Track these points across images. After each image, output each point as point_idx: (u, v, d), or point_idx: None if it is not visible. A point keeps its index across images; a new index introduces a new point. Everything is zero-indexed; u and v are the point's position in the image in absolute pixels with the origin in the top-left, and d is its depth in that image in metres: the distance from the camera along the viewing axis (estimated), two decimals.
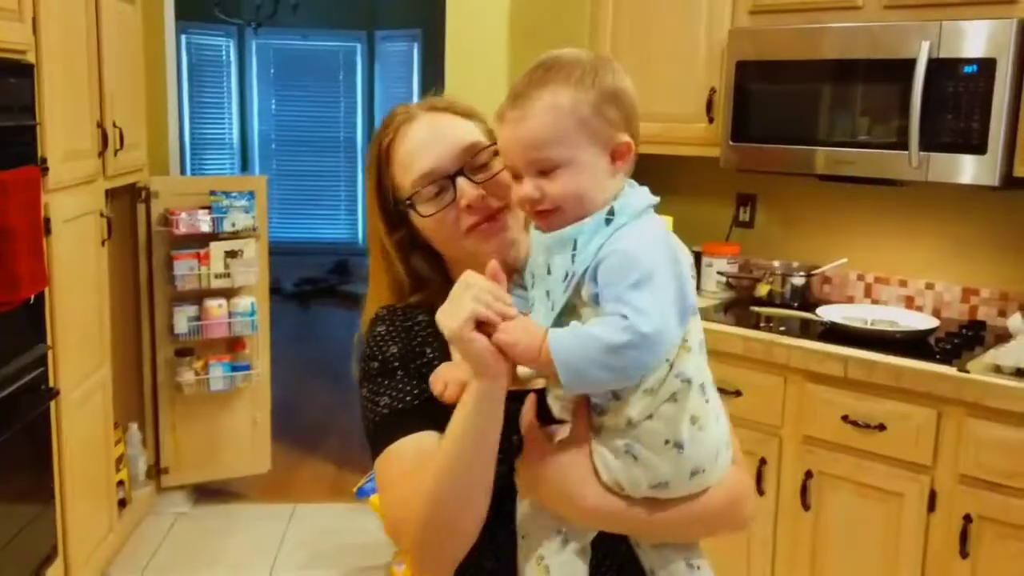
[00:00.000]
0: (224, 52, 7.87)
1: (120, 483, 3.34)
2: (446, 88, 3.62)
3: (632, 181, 1.07)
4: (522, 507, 1.09)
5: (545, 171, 1.01)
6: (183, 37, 6.73)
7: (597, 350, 0.92)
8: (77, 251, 2.82)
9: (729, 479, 1.09)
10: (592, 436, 1.03)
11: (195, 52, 7.41)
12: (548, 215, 1.02)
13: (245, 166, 8.09)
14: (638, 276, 0.94)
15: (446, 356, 1.12)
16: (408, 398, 1.12)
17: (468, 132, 1.18)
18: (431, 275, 1.20)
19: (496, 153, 1.14)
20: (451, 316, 0.96)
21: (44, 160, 2.53)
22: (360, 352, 1.19)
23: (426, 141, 1.15)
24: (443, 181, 1.13)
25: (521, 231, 1.16)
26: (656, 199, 1.06)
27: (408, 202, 1.15)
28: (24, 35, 2.46)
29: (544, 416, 1.08)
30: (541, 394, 1.09)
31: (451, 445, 1.01)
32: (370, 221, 1.22)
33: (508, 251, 1.14)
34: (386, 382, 1.13)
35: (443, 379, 1.05)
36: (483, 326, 0.96)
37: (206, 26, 7.25)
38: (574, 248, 1.00)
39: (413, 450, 1.08)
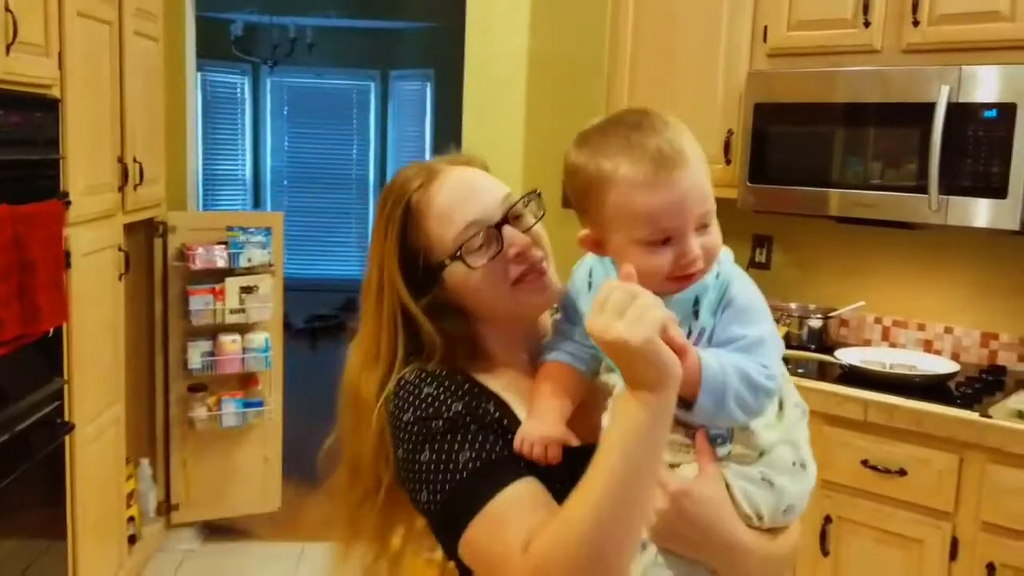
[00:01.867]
0: (239, 90, 7.95)
1: (131, 519, 3.32)
2: (464, 127, 3.65)
3: None
4: (645, 557, 1.00)
5: (705, 224, 0.99)
6: (199, 74, 6.82)
7: (742, 383, 0.94)
8: (95, 285, 2.83)
9: (796, 527, 1.12)
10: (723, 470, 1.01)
11: (210, 89, 7.49)
12: (695, 276, 0.99)
13: (257, 203, 8.13)
14: (759, 331, 0.99)
15: (507, 414, 1.06)
16: (497, 448, 1.02)
17: (499, 183, 1.16)
18: (460, 339, 1.12)
19: (527, 204, 1.13)
20: (637, 325, 0.87)
21: (66, 194, 2.55)
22: (401, 420, 1.06)
23: (466, 192, 1.11)
24: (490, 231, 1.09)
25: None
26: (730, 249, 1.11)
27: (457, 254, 1.09)
28: (50, 70, 2.49)
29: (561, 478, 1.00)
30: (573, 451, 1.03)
31: (612, 469, 0.90)
32: (386, 285, 1.12)
33: (553, 303, 1.13)
34: (460, 438, 1.02)
35: (531, 440, 1.00)
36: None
37: (222, 64, 7.34)
38: (696, 304, 1.00)
39: (527, 497, 0.98)
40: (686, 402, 0.94)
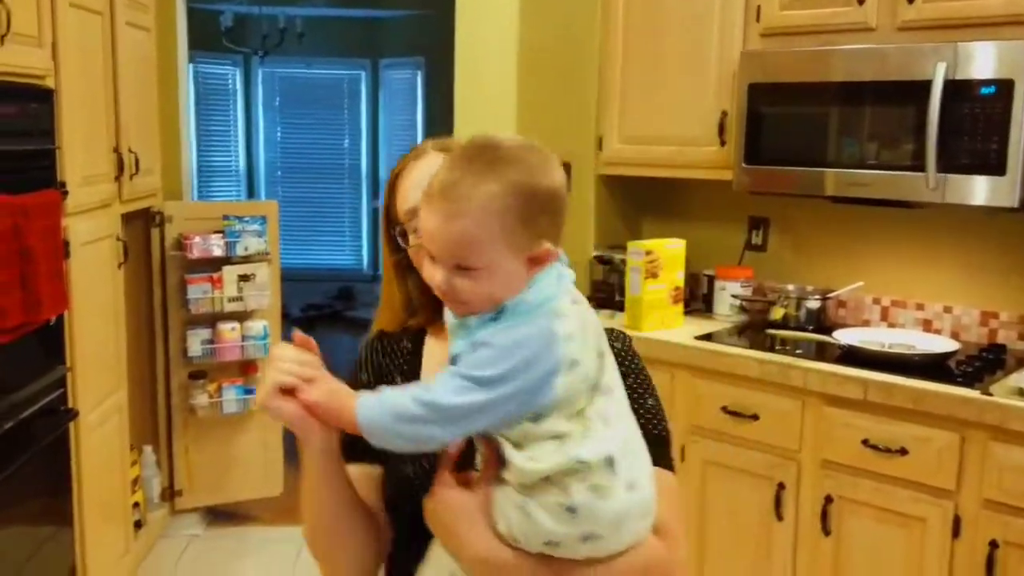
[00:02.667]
0: (230, 81, 7.92)
1: (135, 505, 3.34)
2: (455, 115, 3.64)
3: (553, 267, 1.04)
4: (434, 544, 1.10)
5: (461, 267, 1.00)
6: (190, 66, 6.78)
7: (392, 417, 0.98)
8: (94, 274, 2.82)
9: (644, 551, 1.04)
10: (496, 486, 1.03)
11: (201, 81, 7.46)
12: (456, 305, 1.03)
13: (251, 193, 8.11)
14: (485, 373, 0.96)
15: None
16: None
17: None
18: (420, 300, 1.25)
19: None
20: (259, 390, 1.06)
21: (63, 184, 2.54)
22: (359, 379, 1.26)
23: (421, 181, 1.12)
24: None
25: None
26: (561, 288, 1.02)
27: (400, 230, 1.22)
28: (44, 60, 2.47)
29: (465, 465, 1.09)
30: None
31: (305, 495, 1.14)
32: (382, 241, 1.30)
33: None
34: None
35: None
36: (294, 392, 1.03)
37: (212, 55, 7.30)
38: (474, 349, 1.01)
39: (360, 478, 1.18)
40: None
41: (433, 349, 1.26)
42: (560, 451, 0.98)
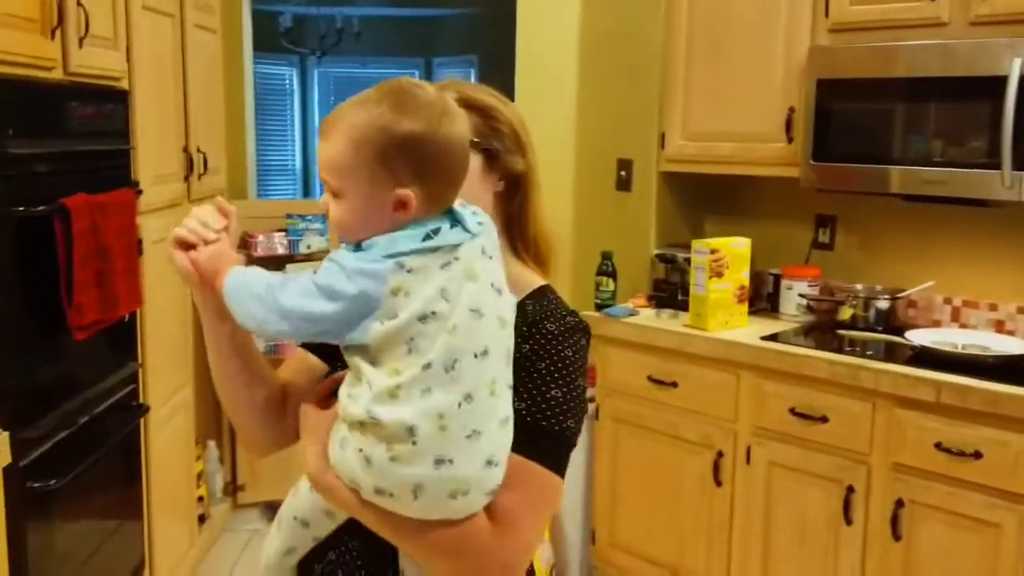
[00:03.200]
0: (288, 81, 8.03)
1: (199, 499, 3.40)
2: None
3: (436, 222, 1.03)
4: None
5: (330, 192, 1.05)
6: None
7: (246, 292, 1.04)
8: (165, 272, 2.88)
9: (461, 528, 1.03)
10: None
11: (260, 81, 7.57)
12: (334, 229, 1.09)
13: (307, 192, 8.22)
14: (318, 277, 1.02)
15: None
16: None
17: None
18: None
19: None
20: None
21: (137, 183, 2.60)
22: None
23: None
24: None
25: None
26: (417, 248, 1.01)
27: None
28: (120, 62, 2.54)
29: None
30: None
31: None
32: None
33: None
34: None
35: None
36: (189, 247, 1.10)
37: (270, 55, 7.41)
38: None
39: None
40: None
41: None
42: (366, 401, 1.00)
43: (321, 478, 1.09)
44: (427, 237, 1.01)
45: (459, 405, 0.99)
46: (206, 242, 1.10)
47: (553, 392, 1.10)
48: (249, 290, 1.04)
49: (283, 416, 1.20)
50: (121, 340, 2.59)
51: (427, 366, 0.99)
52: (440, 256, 1.01)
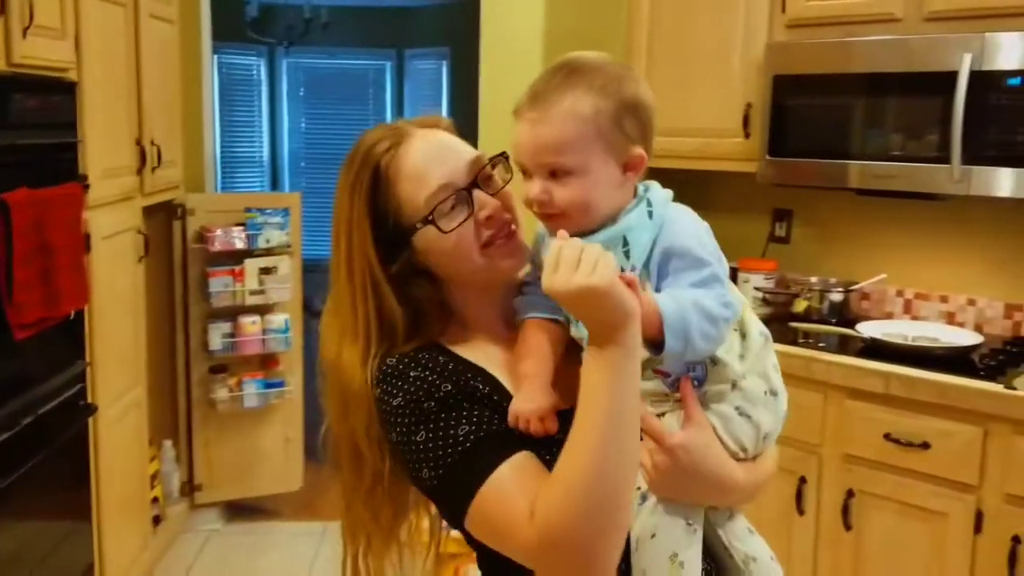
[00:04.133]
0: (255, 71, 7.94)
1: (154, 500, 3.36)
2: (480, 106, 3.63)
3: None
4: (645, 509, 1.04)
5: (557, 175, 1.02)
6: (215, 57, 6.82)
7: (701, 317, 0.98)
8: (115, 268, 2.84)
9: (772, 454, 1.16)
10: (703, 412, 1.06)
11: (226, 71, 7.48)
12: (555, 219, 1.03)
13: (275, 184, 8.14)
14: (710, 271, 1.01)
15: (495, 386, 1.07)
16: (494, 422, 1.02)
17: (467, 145, 1.15)
18: (432, 305, 1.12)
19: (495, 167, 1.13)
20: (600, 273, 0.90)
21: (85, 177, 2.56)
22: (391, 404, 1.05)
23: (438, 154, 1.10)
24: (460, 194, 1.08)
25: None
26: (670, 191, 1.11)
27: (429, 218, 1.07)
28: (67, 53, 2.49)
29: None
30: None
31: (596, 418, 0.92)
32: (356, 254, 1.09)
33: (524, 266, 1.13)
34: (455, 415, 1.02)
35: (525, 416, 1.01)
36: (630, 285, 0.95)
37: (237, 46, 7.33)
38: (624, 244, 1.03)
39: (527, 467, 0.98)
40: (654, 346, 0.98)
41: (480, 352, 1.11)
42: (743, 346, 1.08)
43: (751, 475, 1.10)
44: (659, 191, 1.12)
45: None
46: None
47: None
48: (702, 309, 0.99)
49: None
50: (68, 338, 2.54)
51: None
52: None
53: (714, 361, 1.04)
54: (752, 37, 2.83)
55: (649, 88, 1.07)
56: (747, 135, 2.86)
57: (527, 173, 1.05)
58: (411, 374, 1.05)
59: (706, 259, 1.02)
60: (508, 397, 1.05)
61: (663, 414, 1.06)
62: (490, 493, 0.97)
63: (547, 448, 1.00)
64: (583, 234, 1.02)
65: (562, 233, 0.96)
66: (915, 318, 2.88)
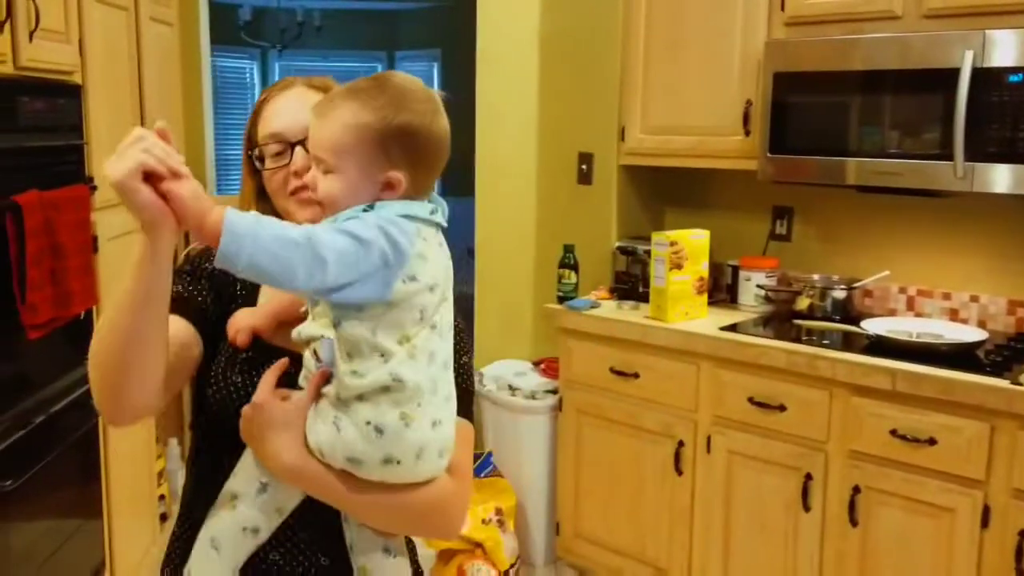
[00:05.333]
0: (248, 75, 7.95)
1: (161, 498, 3.36)
2: (476, 105, 3.64)
3: (434, 199, 1.15)
4: (246, 454, 1.17)
5: (322, 168, 1.11)
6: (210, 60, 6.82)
7: (269, 235, 0.98)
8: (122, 269, 2.83)
9: (438, 486, 1.13)
10: (314, 403, 1.11)
11: (219, 75, 7.48)
12: (312, 203, 1.14)
13: None
14: (348, 224, 1.04)
15: (252, 299, 1.26)
16: (189, 293, 1.24)
17: None
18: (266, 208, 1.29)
19: None
20: (117, 165, 0.94)
21: (91, 179, 2.56)
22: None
23: (286, 108, 1.27)
24: (285, 146, 1.25)
25: None
26: (426, 219, 1.10)
27: (258, 153, 1.27)
28: (71, 57, 2.49)
29: (290, 384, 1.16)
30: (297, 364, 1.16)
31: (118, 301, 1.05)
32: (243, 159, 1.32)
33: (317, 222, 1.18)
34: (186, 278, 1.26)
35: (235, 326, 1.19)
36: (152, 180, 0.96)
37: (230, 49, 7.33)
38: None
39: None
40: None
41: None
42: (383, 368, 1.05)
43: (305, 468, 1.10)
44: (432, 212, 1.11)
45: (444, 370, 1.11)
46: (175, 174, 0.96)
47: (463, 359, 1.27)
48: (279, 236, 0.98)
49: (166, 386, 1.14)
50: (77, 338, 2.54)
51: (432, 331, 1.09)
52: (437, 233, 1.12)
53: (335, 371, 1.09)
54: (751, 34, 2.85)
55: (442, 121, 1.13)
56: (747, 133, 2.88)
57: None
58: (179, 267, 1.27)
59: (357, 231, 1.03)
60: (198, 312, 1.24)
61: (300, 389, 1.14)
62: None
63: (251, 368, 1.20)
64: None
65: (159, 125, 1.01)
66: (918, 315, 2.90)
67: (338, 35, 7.64)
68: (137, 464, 3.04)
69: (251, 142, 1.30)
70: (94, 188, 2.54)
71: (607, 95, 3.25)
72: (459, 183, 3.81)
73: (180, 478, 3.64)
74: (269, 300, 1.25)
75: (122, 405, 1.12)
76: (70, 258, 2.25)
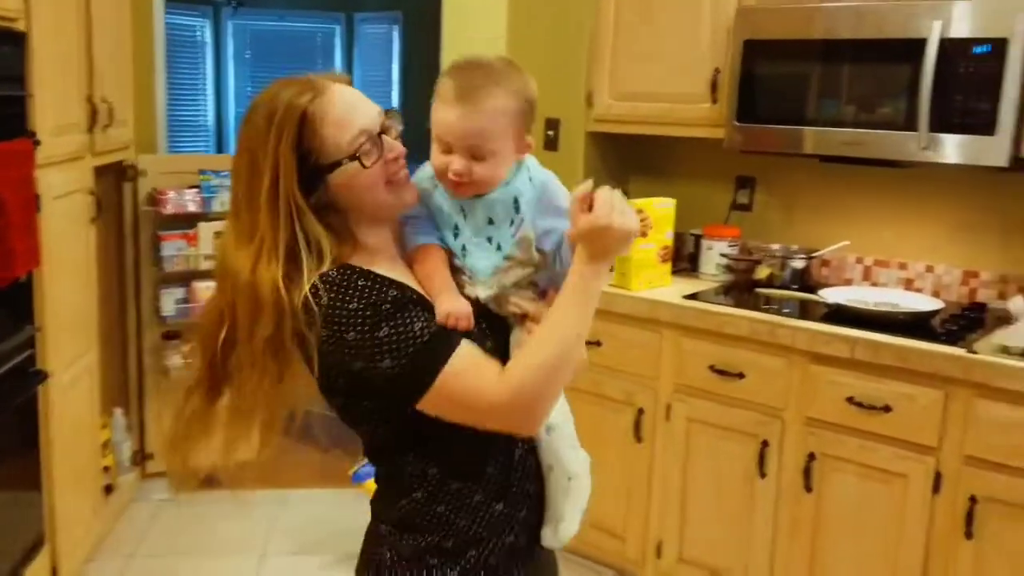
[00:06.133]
0: (200, 32, 7.72)
1: (105, 469, 3.28)
2: (442, 70, 3.56)
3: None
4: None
5: (476, 155, 1.28)
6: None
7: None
8: (67, 230, 2.74)
9: None
10: None
11: (170, 32, 7.25)
12: (463, 187, 1.30)
13: (220, 148, 7.95)
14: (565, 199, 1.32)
15: (419, 294, 1.29)
16: (433, 320, 1.26)
17: (370, 101, 1.35)
18: (344, 231, 1.30)
19: (390, 119, 1.34)
20: (631, 222, 1.22)
21: (34, 133, 2.44)
22: (348, 308, 1.22)
23: (356, 103, 1.30)
24: (374, 138, 1.28)
25: None
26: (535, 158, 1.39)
27: (354, 156, 1.26)
28: (15, 1, 2.36)
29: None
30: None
31: (572, 314, 1.23)
32: (281, 187, 1.23)
33: (417, 198, 1.36)
34: (408, 314, 1.24)
35: (455, 315, 1.26)
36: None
37: (182, 6, 7.10)
38: (515, 203, 1.32)
39: (475, 349, 1.25)
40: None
41: (389, 270, 1.30)
42: None
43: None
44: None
45: None
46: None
47: None
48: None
49: None
50: (17, 302, 2.44)
51: None
52: None
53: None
54: (721, 1, 2.82)
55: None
56: (715, 100, 2.86)
57: (446, 147, 1.29)
58: (359, 282, 1.24)
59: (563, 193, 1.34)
60: (429, 303, 1.28)
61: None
62: (455, 369, 1.22)
63: (470, 340, 1.27)
64: (479, 195, 1.32)
65: (589, 183, 1.24)
66: (874, 284, 2.93)
67: None
68: (81, 434, 2.94)
69: (305, 158, 1.25)
70: (37, 143, 2.43)
71: (576, 60, 3.20)
72: (424, 147, 3.74)
73: (126, 449, 3.55)
74: (443, 283, 1.32)
75: (546, 410, 1.28)
76: (12, 215, 2.15)
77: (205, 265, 3.53)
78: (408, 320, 1.23)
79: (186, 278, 3.56)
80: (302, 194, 1.24)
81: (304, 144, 1.25)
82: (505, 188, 1.32)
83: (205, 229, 3.51)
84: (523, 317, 1.35)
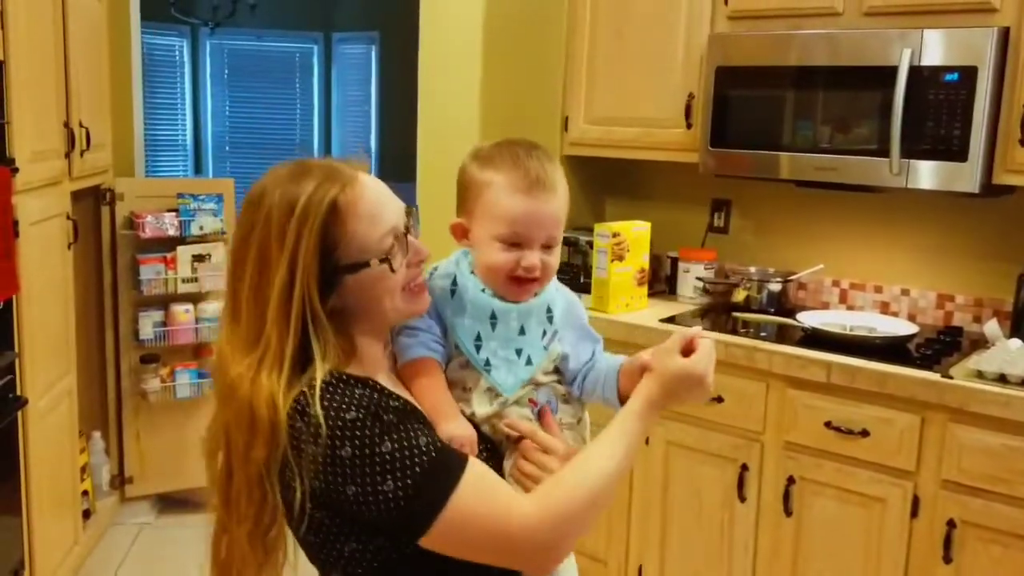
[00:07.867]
0: (178, 52, 7.71)
1: (84, 493, 3.24)
2: (419, 92, 3.57)
3: None
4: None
5: (549, 246, 1.21)
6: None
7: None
8: (44, 255, 2.72)
9: None
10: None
11: (148, 52, 7.23)
12: (532, 283, 1.21)
13: (199, 169, 7.92)
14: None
15: (417, 408, 1.16)
16: (437, 436, 1.12)
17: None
18: (346, 339, 1.14)
19: (410, 216, 1.21)
20: (711, 374, 1.21)
21: (12, 160, 2.43)
22: (346, 419, 1.05)
23: (386, 196, 1.17)
24: (401, 237, 1.14)
25: None
26: None
27: (385, 257, 1.12)
28: None
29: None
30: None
31: (621, 453, 1.15)
32: (297, 287, 1.07)
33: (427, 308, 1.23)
34: (412, 426, 1.08)
35: (457, 439, 1.14)
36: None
37: (160, 26, 7.09)
38: (548, 311, 1.25)
39: (486, 470, 1.11)
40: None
41: (388, 380, 1.19)
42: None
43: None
44: None
45: None
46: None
47: None
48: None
49: None
50: None
51: None
52: None
53: (566, 400, 1.31)
54: (695, 27, 2.85)
55: None
56: (689, 125, 2.89)
57: (516, 241, 1.19)
58: (357, 391, 1.08)
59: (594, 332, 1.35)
60: (427, 419, 1.15)
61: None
62: (471, 491, 1.05)
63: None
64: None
65: (699, 328, 1.26)
66: (850, 307, 2.96)
67: (273, 14, 7.44)
68: (60, 459, 2.92)
69: (327, 256, 1.08)
70: (16, 170, 2.41)
71: (551, 84, 3.23)
72: (400, 169, 3.75)
73: (104, 472, 3.52)
74: (446, 404, 1.20)
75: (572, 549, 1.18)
76: None
77: (183, 288, 3.52)
78: (412, 433, 1.06)
79: (164, 301, 3.55)
80: (324, 298, 1.09)
81: (328, 240, 1.08)
82: (542, 294, 1.23)
83: (183, 252, 3.50)
84: (518, 440, 1.21)
